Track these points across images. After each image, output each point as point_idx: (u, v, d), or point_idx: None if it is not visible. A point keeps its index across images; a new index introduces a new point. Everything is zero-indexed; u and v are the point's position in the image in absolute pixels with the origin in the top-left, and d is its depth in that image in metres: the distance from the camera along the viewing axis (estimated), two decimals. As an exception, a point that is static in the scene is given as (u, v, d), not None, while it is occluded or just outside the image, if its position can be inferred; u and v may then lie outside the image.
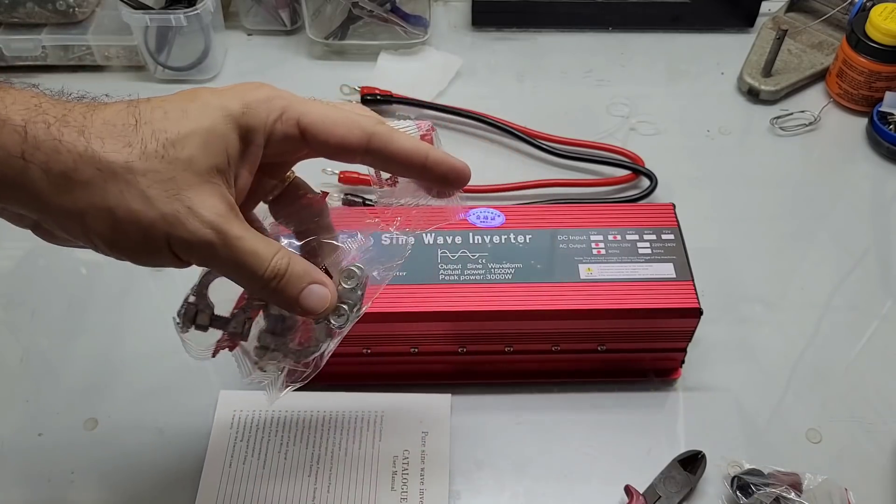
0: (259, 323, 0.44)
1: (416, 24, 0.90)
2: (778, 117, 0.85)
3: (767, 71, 0.86)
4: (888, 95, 0.82)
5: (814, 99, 0.88)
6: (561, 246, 0.61)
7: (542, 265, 0.60)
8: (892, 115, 0.82)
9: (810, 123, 0.85)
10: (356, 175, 0.76)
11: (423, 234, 0.62)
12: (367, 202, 0.75)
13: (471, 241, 0.61)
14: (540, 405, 0.63)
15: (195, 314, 0.42)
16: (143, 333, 0.67)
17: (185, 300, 0.43)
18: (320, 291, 0.40)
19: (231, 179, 0.39)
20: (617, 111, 0.86)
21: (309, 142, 0.40)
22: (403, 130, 0.43)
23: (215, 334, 0.43)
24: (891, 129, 0.81)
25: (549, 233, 0.62)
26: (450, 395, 0.62)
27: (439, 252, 0.61)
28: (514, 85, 0.89)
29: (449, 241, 0.61)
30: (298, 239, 0.45)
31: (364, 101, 0.84)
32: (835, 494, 0.56)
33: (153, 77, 0.88)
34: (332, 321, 0.42)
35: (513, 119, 0.82)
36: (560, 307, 0.58)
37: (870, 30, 0.81)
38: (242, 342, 0.44)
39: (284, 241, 0.44)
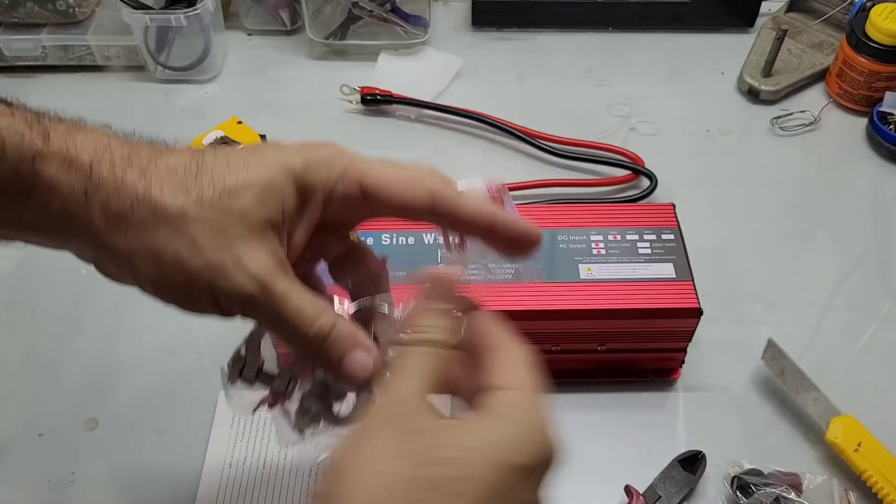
0: (304, 385, 0.42)
1: (416, 24, 0.90)
2: (778, 117, 0.85)
3: (767, 71, 0.86)
4: (888, 95, 0.82)
5: (814, 99, 0.88)
6: (561, 246, 0.61)
7: (542, 265, 0.60)
8: (892, 115, 0.82)
9: (810, 123, 0.85)
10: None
11: (423, 234, 0.62)
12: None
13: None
14: (540, 405, 0.63)
15: (242, 367, 0.42)
16: (143, 333, 0.67)
17: (237, 351, 0.42)
18: (363, 358, 0.38)
19: (285, 236, 0.38)
20: (617, 111, 0.86)
21: (370, 202, 0.39)
22: (471, 190, 0.42)
23: (260, 390, 0.42)
24: (891, 129, 0.81)
25: (549, 233, 0.62)
26: (450, 395, 0.61)
27: (439, 252, 0.61)
28: (514, 85, 0.89)
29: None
30: (354, 302, 0.44)
31: (364, 101, 0.84)
32: (835, 494, 0.56)
33: (153, 77, 0.88)
34: (375, 391, 0.39)
35: (513, 119, 0.82)
36: (560, 307, 0.58)
37: (870, 30, 0.81)
38: (285, 402, 0.42)
39: (339, 305, 0.43)
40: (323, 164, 0.39)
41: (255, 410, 0.42)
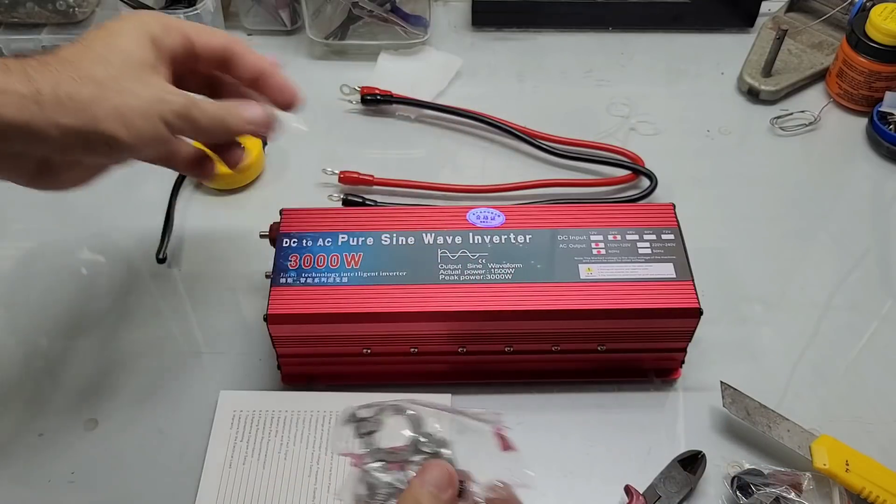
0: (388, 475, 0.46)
1: (416, 24, 0.90)
2: (778, 117, 0.85)
3: (767, 71, 0.86)
4: (888, 95, 0.82)
5: (814, 99, 0.88)
6: (561, 246, 0.61)
7: (542, 265, 0.60)
8: (892, 115, 0.82)
9: (810, 123, 0.85)
10: (356, 175, 0.76)
11: (423, 234, 0.62)
12: (367, 202, 0.75)
13: (471, 241, 0.61)
14: (540, 405, 0.63)
15: (362, 421, 0.48)
16: (143, 334, 0.67)
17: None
18: (252, 107, 0.53)
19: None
20: (617, 111, 0.86)
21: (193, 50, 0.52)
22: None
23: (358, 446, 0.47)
24: (891, 129, 0.81)
25: (549, 233, 0.62)
26: (450, 395, 0.62)
27: (439, 252, 0.61)
28: (514, 85, 0.89)
29: (449, 241, 0.61)
30: None
31: (364, 101, 0.84)
32: (835, 495, 0.56)
33: (153, 77, 0.88)
34: None
35: (513, 119, 0.82)
36: (560, 307, 0.58)
37: (870, 30, 0.81)
38: (366, 468, 0.46)
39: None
40: (153, 22, 0.50)
41: (340, 454, 0.48)
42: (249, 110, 0.53)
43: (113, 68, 0.46)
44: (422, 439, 0.47)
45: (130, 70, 0.47)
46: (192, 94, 0.49)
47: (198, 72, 0.54)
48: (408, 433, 0.47)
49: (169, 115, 0.47)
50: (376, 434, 0.47)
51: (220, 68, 0.54)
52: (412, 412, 0.48)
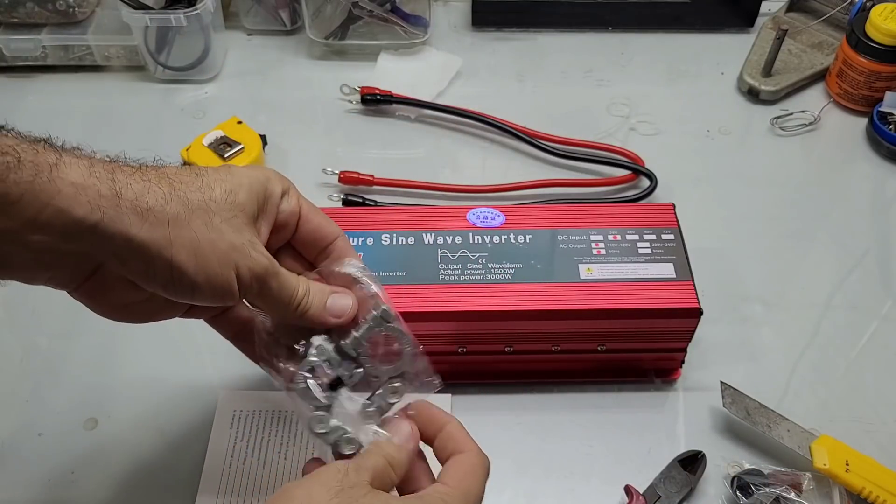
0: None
1: (416, 24, 0.90)
2: (778, 117, 0.85)
3: (767, 71, 0.86)
4: (888, 95, 0.82)
5: (814, 99, 0.88)
6: (561, 246, 0.61)
7: (542, 265, 0.60)
8: (892, 115, 0.82)
9: (810, 123, 0.85)
10: (356, 175, 0.76)
11: (423, 234, 0.62)
12: (367, 202, 0.75)
13: (471, 241, 0.61)
14: (540, 405, 0.63)
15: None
16: (143, 333, 0.66)
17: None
18: (342, 299, 0.47)
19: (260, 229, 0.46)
20: (617, 111, 0.86)
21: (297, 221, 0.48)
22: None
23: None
24: (891, 129, 0.81)
25: (549, 233, 0.62)
26: (450, 395, 0.62)
27: (439, 252, 0.61)
28: (514, 85, 0.89)
29: (449, 241, 0.61)
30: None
31: (364, 101, 0.84)
32: (835, 495, 0.56)
33: (153, 77, 0.88)
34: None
35: (513, 119, 0.82)
36: (560, 307, 0.58)
37: (870, 30, 0.81)
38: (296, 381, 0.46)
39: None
40: (276, 180, 0.47)
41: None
42: (339, 302, 0.47)
43: (212, 202, 0.42)
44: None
45: (228, 211, 0.43)
46: (276, 263, 0.45)
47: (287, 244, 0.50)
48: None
49: (246, 271, 0.43)
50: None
51: (312, 254, 0.50)
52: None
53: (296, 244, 0.49)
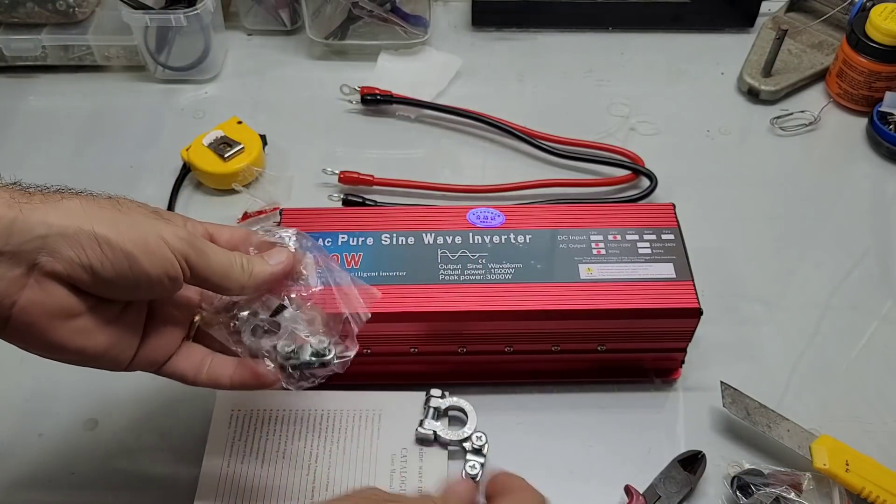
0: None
1: (416, 24, 0.90)
2: (778, 117, 0.85)
3: (767, 71, 0.86)
4: (888, 95, 0.82)
5: (814, 99, 0.88)
6: (561, 246, 0.61)
7: (542, 265, 0.60)
8: (892, 115, 0.82)
9: (810, 123, 0.85)
10: (356, 175, 0.76)
11: (423, 234, 0.62)
12: (367, 202, 0.75)
13: (471, 241, 0.61)
14: (540, 405, 0.63)
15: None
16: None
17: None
18: (277, 253, 0.50)
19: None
20: (617, 111, 0.86)
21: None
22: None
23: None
24: (891, 129, 0.81)
25: (549, 233, 0.62)
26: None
27: (439, 252, 0.61)
28: (514, 85, 0.89)
29: (449, 241, 0.61)
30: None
31: (364, 101, 0.84)
32: (835, 494, 0.56)
33: (153, 77, 0.88)
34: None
35: (513, 119, 0.82)
36: (560, 307, 0.58)
37: (870, 30, 0.81)
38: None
39: None
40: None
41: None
42: (275, 255, 0.50)
43: (122, 201, 0.45)
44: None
45: (137, 204, 0.45)
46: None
47: None
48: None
49: (174, 238, 0.44)
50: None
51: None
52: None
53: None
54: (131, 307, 0.46)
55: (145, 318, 0.48)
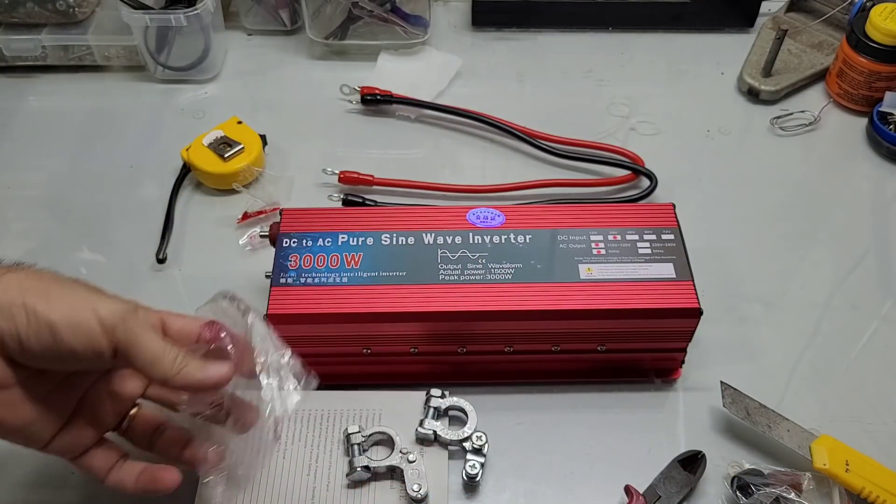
0: None
1: (416, 24, 0.90)
2: (778, 117, 0.85)
3: (767, 71, 0.86)
4: (888, 95, 0.82)
5: (814, 99, 0.88)
6: (561, 246, 0.61)
7: (542, 265, 0.60)
8: (892, 115, 0.82)
9: (810, 123, 0.85)
10: (356, 175, 0.76)
11: (423, 234, 0.62)
12: (367, 202, 0.75)
13: (471, 241, 0.61)
14: (540, 405, 0.63)
15: None
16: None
17: None
18: (218, 367, 0.46)
19: None
20: (617, 111, 0.86)
21: None
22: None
23: None
24: (891, 129, 0.81)
25: (549, 233, 0.62)
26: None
27: (439, 252, 0.61)
28: (514, 85, 0.89)
29: (449, 241, 0.61)
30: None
31: (364, 101, 0.84)
32: (835, 494, 0.56)
33: (153, 77, 0.88)
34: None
35: (513, 119, 0.82)
36: (560, 307, 0.58)
37: (870, 30, 0.81)
38: None
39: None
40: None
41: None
42: (214, 365, 0.46)
43: (60, 279, 0.45)
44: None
45: (76, 282, 0.45)
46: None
47: None
48: None
49: (106, 312, 0.43)
50: None
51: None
52: None
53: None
54: (64, 388, 0.47)
55: (75, 404, 0.48)
